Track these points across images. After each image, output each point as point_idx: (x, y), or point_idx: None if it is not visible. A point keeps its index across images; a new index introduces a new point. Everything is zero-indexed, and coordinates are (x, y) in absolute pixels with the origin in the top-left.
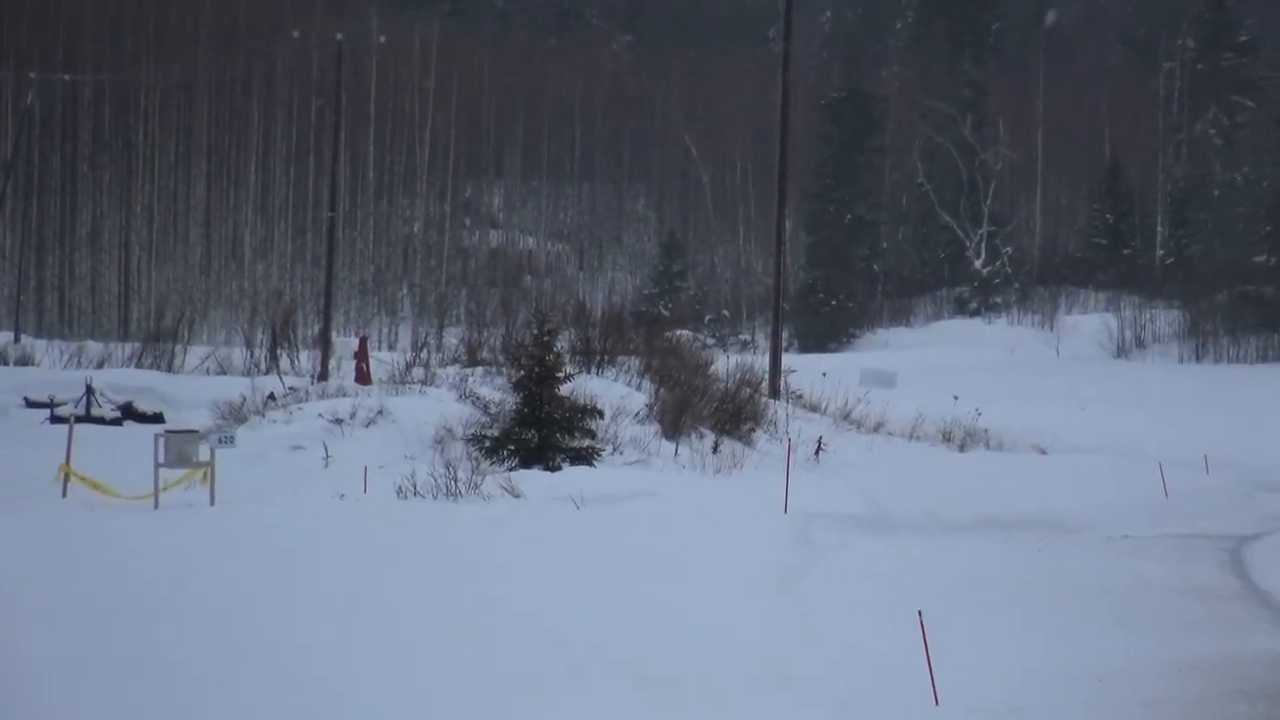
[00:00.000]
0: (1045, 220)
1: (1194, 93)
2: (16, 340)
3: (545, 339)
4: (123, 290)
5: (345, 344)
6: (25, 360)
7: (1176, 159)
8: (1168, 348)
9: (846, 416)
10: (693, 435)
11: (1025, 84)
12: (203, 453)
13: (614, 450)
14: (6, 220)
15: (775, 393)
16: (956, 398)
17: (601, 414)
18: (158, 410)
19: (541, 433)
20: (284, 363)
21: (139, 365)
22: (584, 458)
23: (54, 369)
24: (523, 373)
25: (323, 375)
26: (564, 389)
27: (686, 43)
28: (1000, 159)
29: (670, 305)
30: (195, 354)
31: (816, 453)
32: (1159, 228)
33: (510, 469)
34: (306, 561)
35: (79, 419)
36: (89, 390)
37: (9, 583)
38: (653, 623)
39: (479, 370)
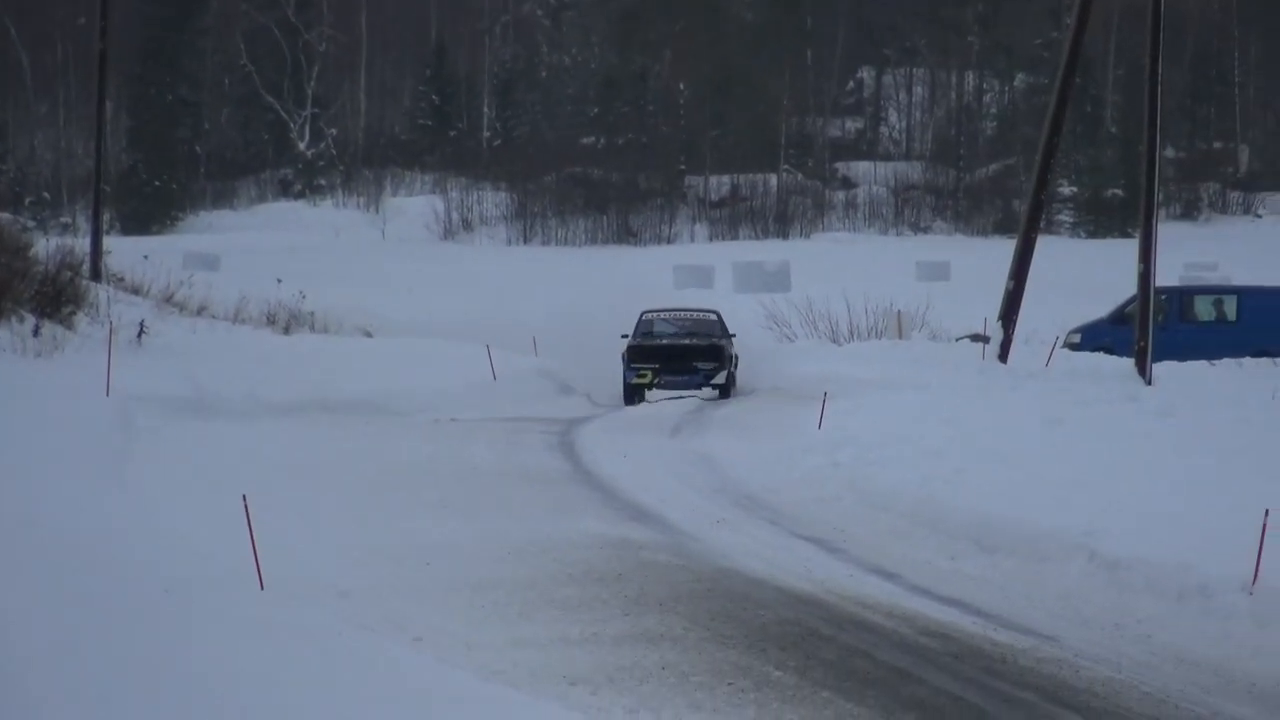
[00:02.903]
0: (371, 103)
1: None
2: None
3: None
4: None
5: None
6: None
7: (504, 40)
8: (496, 230)
9: (169, 299)
10: (13, 319)
11: None
12: None
13: None
14: None
15: (97, 276)
16: (280, 280)
17: None
18: None
19: None
20: None
21: None
22: None
23: None
24: None
25: None
26: None
27: None
28: (324, 40)
29: None
30: None
31: (139, 336)
32: (485, 110)
33: None
34: None
35: None
36: None
37: None
38: None
39: None
